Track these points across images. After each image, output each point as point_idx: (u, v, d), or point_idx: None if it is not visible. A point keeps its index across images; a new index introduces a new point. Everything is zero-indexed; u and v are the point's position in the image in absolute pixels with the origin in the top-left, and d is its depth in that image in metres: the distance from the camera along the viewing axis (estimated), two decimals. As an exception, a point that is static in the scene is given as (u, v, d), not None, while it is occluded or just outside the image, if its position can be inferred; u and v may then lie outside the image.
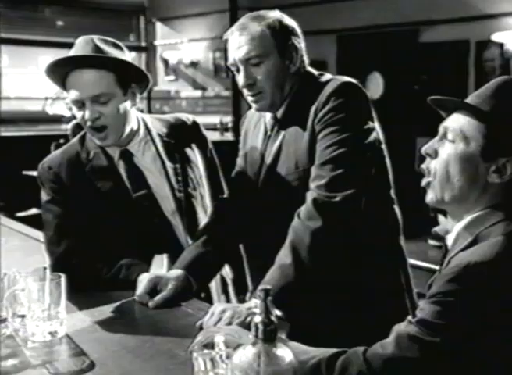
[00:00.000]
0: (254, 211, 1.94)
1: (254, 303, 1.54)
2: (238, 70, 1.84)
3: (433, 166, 1.32)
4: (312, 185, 1.73)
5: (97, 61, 1.91)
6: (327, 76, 1.87)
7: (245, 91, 1.85)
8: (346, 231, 1.69)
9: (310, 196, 1.71)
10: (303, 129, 1.80)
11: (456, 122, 1.30)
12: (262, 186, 1.91)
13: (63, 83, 1.96)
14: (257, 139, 1.98)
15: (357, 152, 1.72)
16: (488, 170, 1.27)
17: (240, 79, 1.83)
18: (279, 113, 1.89)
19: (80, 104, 1.92)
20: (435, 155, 1.32)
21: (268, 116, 1.93)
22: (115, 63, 1.94)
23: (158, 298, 1.77)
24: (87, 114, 1.91)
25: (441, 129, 1.33)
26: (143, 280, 1.82)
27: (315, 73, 1.90)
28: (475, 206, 1.29)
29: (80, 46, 1.95)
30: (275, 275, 1.64)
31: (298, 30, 1.88)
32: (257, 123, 2.03)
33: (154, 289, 1.80)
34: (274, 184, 1.88)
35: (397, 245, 1.92)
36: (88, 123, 1.93)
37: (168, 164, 2.05)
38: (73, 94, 1.92)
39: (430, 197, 1.34)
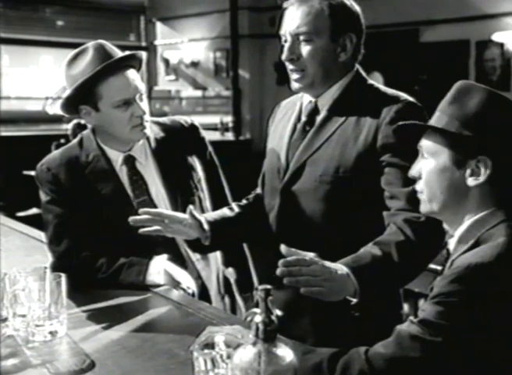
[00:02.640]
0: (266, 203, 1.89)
1: None
2: (286, 41, 1.76)
3: (420, 187, 1.38)
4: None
5: (135, 60, 2.02)
6: (378, 85, 1.80)
7: (288, 65, 1.77)
8: None
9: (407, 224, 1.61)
10: (355, 135, 1.71)
11: (424, 141, 1.36)
12: (287, 180, 1.80)
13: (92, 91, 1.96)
14: (286, 128, 1.87)
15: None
16: (464, 176, 1.30)
17: (285, 51, 1.75)
18: (325, 107, 1.78)
19: (126, 103, 1.95)
20: (419, 176, 1.38)
21: (306, 103, 1.83)
22: (139, 60, 2.05)
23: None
24: (141, 108, 1.96)
25: (419, 148, 1.39)
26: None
27: (365, 75, 1.82)
28: (466, 212, 1.31)
29: (104, 52, 1.97)
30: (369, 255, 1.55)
31: (362, 22, 1.78)
32: (285, 114, 1.92)
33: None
34: (300, 181, 1.77)
35: None
36: (139, 120, 1.97)
37: (165, 169, 2.05)
38: (122, 94, 1.94)
39: (422, 207, 1.40)
